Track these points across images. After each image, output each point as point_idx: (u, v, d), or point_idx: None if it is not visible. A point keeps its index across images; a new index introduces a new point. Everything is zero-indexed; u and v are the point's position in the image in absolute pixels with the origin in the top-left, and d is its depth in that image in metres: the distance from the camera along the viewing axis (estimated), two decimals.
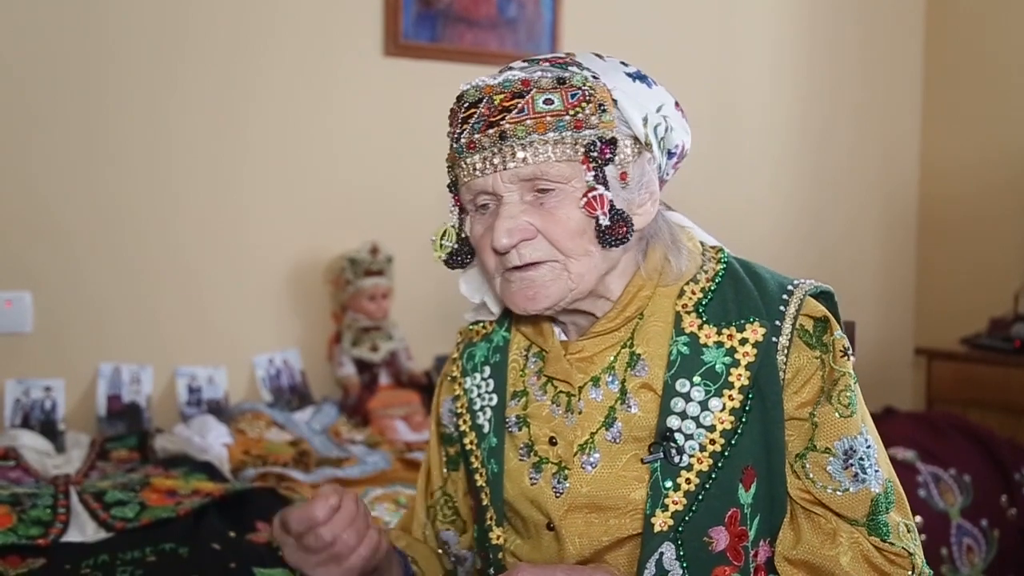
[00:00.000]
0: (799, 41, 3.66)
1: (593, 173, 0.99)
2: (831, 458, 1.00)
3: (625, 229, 0.99)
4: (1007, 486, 2.47)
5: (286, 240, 2.70)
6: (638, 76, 1.06)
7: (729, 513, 1.00)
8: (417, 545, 1.25)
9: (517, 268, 1.02)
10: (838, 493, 1.00)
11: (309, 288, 2.75)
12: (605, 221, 0.99)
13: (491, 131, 0.99)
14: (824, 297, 1.07)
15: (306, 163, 2.72)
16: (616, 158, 1.00)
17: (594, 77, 1.02)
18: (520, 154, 0.98)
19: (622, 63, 1.07)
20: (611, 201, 0.99)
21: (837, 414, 1.00)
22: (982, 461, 2.48)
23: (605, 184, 0.99)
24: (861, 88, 3.83)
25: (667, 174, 1.11)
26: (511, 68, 1.04)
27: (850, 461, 1.00)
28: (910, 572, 1.00)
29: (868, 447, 1.01)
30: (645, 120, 1.03)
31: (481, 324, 1.20)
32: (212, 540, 1.70)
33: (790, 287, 1.05)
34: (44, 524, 1.71)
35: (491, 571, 1.12)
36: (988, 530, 2.37)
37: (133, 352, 2.50)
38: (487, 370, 1.16)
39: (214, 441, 2.23)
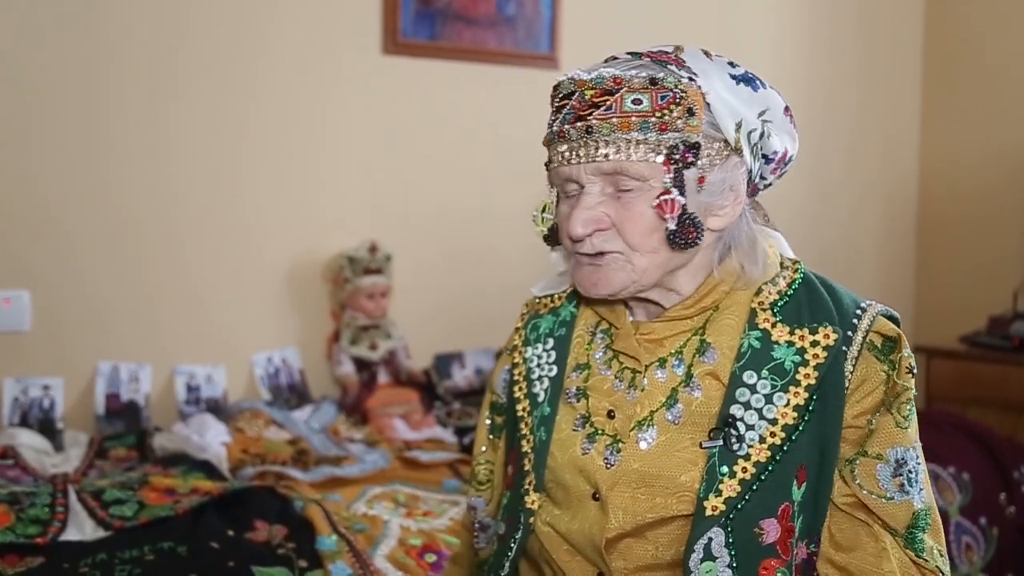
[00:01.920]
0: (799, 41, 3.66)
1: (672, 175, 1.02)
2: (882, 464, 1.02)
3: (695, 234, 1.03)
4: (1006, 484, 2.47)
5: (285, 238, 2.70)
6: (744, 79, 1.07)
7: (782, 507, 1.01)
8: None
9: (587, 254, 1.07)
10: (882, 500, 1.01)
11: (308, 286, 2.75)
12: (672, 225, 1.02)
13: (579, 124, 1.03)
14: (890, 321, 1.08)
15: (305, 161, 2.72)
16: (698, 162, 1.03)
17: (690, 79, 1.04)
18: (603, 150, 1.02)
19: (730, 63, 1.08)
20: (683, 206, 1.02)
21: (895, 423, 1.03)
22: (981, 459, 2.48)
23: (682, 187, 1.02)
24: (860, 87, 3.84)
25: (763, 178, 1.14)
26: (615, 59, 1.07)
27: (899, 471, 1.02)
28: None
29: (917, 463, 1.04)
30: (739, 125, 1.05)
31: (549, 298, 1.25)
32: (211, 539, 1.70)
33: (863, 305, 1.08)
34: (42, 523, 1.71)
35: (517, 535, 1.13)
36: (987, 528, 2.37)
37: (132, 351, 2.50)
38: (550, 342, 1.20)
39: (213, 440, 2.22)
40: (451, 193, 2.94)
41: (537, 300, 1.26)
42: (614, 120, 1.01)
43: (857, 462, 1.02)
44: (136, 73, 2.47)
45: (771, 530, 1.00)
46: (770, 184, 1.17)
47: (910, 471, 1.02)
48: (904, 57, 3.97)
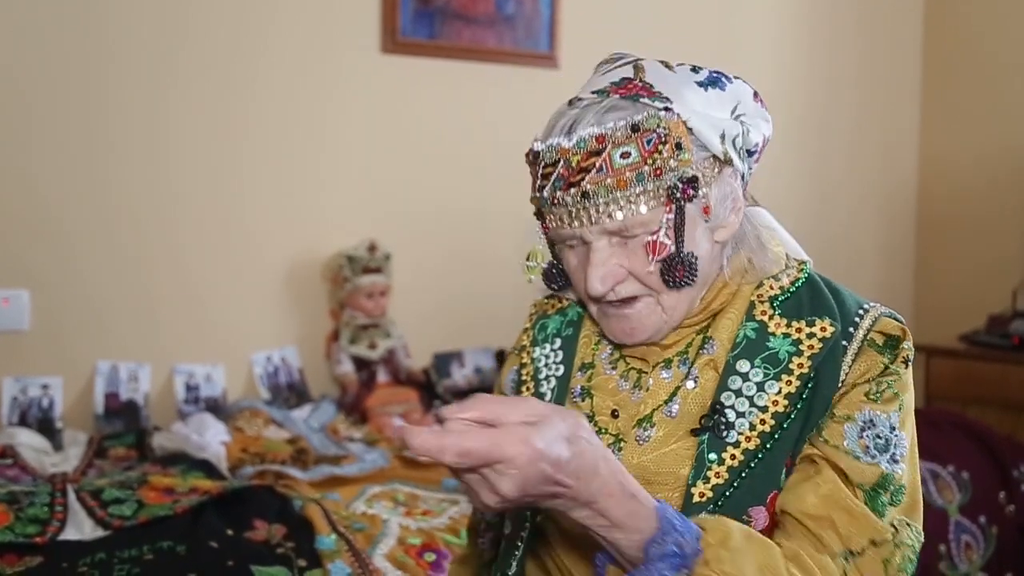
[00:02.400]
0: (799, 39, 3.66)
1: (672, 215, 1.00)
2: (848, 424, 0.99)
3: (683, 273, 1.01)
4: (1005, 483, 2.47)
5: (284, 238, 2.70)
6: (710, 81, 1.05)
7: (771, 495, 1.00)
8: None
9: (612, 303, 1.05)
10: (848, 456, 0.98)
11: (307, 286, 2.74)
12: (650, 267, 1.01)
13: (572, 191, 1.00)
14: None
15: (304, 161, 2.72)
16: (699, 193, 1.01)
17: (666, 109, 1.00)
18: (604, 211, 1.00)
19: (692, 70, 1.06)
20: (678, 245, 1.00)
21: (864, 393, 1.01)
22: (980, 458, 2.48)
23: (680, 224, 1.00)
24: (860, 86, 3.83)
25: (749, 171, 1.12)
26: (579, 100, 1.03)
27: (866, 432, 0.99)
28: (873, 537, 0.95)
29: (893, 433, 1.00)
30: (723, 137, 1.03)
31: (556, 298, 1.24)
32: (210, 538, 1.70)
33: (867, 306, 1.07)
34: (41, 522, 1.71)
35: (524, 534, 1.13)
36: (986, 527, 2.37)
37: (131, 350, 2.50)
38: (558, 342, 1.20)
39: (212, 439, 2.22)
40: (450, 192, 2.94)
41: (545, 300, 1.26)
42: (609, 181, 0.98)
43: (824, 425, 1.00)
44: (136, 73, 2.47)
45: (760, 518, 0.99)
46: (751, 174, 1.15)
47: (878, 436, 0.99)
48: (904, 57, 3.97)
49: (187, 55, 2.53)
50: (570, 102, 1.05)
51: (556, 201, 1.02)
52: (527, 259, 1.13)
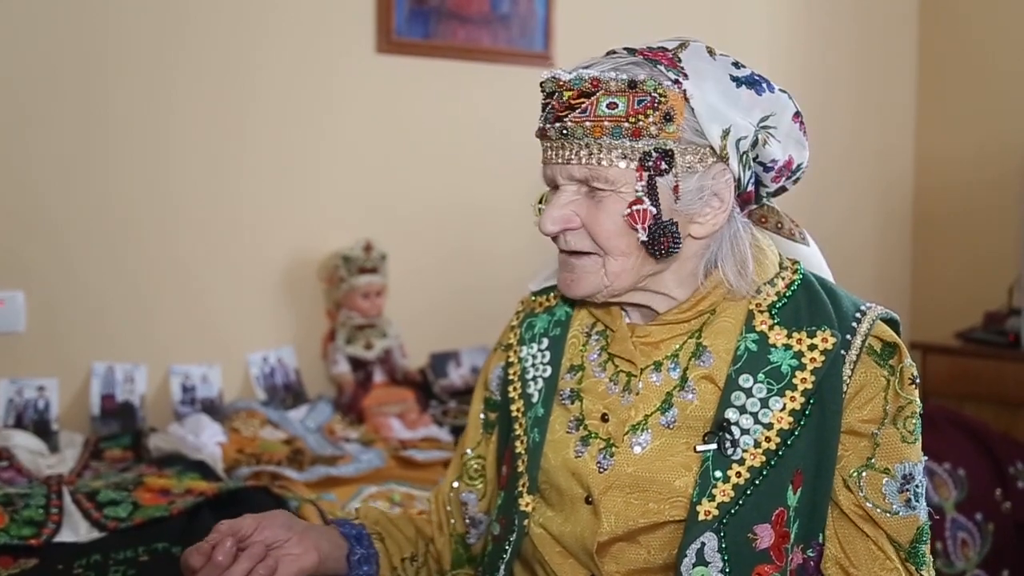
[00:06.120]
0: (794, 36, 3.66)
1: (644, 183, 0.99)
2: (888, 479, 1.01)
3: (669, 242, 1.00)
4: (1001, 480, 2.47)
5: (280, 238, 2.70)
6: (748, 81, 1.04)
7: (776, 512, 1.00)
8: (398, 521, 1.27)
9: (565, 251, 1.07)
10: (887, 515, 1.01)
11: (303, 286, 2.74)
12: (643, 236, 1.01)
13: (557, 125, 1.02)
14: (890, 323, 1.07)
15: (300, 160, 2.71)
16: (672, 170, 1.00)
17: (676, 81, 1.00)
18: (574, 153, 1.01)
19: (735, 64, 1.05)
20: (655, 215, 1.00)
21: (901, 438, 1.02)
22: (977, 455, 2.48)
23: (654, 195, 1.00)
24: (856, 84, 3.84)
25: (763, 186, 1.11)
26: (613, 53, 1.05)
27: (906, 486, 1.01)
28: None
29: (924, 477, 1.04)
30: (725, 132, 1.01)
31: (545, 296, 1.23)
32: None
33: (863, 307, 1.06)
34: (36, 524, 1.71)
35: (512, 538, 1.12)
36: (983, 524, 2.37)
37: (127, 351, 2.49)
38: (545, 342, 1.19)
39: (208, 440, 2.22)
40: (446, 192, 2.94)
41: (532, 299, 1.25)
42: (587, 124, 0.99)
43: (864, 474, 1.02)
44: (132, 70, 2.47)
45: (765, 535, 0.99)
46: (775, 192, 1.13)
47: (917, 486, 1.02)
48: (899, 55, 3.97)
49: (183, 53, 2.52)
50: (607, 53, 1.07)
51: (544, 133, 1.05)
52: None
